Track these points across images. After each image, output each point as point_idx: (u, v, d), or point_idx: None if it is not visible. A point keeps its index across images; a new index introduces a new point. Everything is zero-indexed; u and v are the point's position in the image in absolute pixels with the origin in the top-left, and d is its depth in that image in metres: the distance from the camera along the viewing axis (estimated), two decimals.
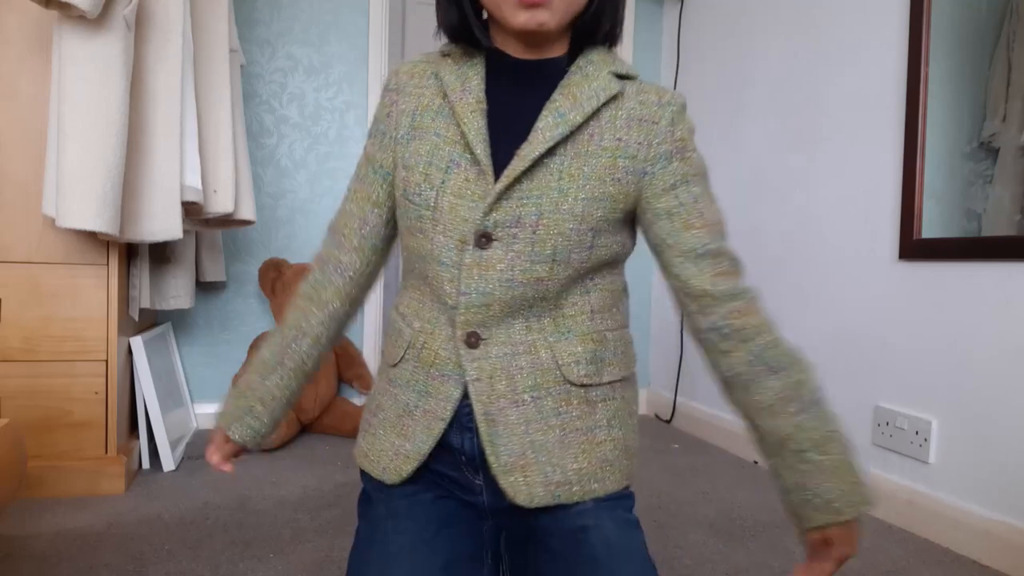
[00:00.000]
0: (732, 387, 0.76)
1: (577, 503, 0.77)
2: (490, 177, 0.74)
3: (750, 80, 2.24)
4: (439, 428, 0.77)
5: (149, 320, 2.09)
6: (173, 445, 1.89)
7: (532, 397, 0.76)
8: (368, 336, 2.50)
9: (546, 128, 0.73)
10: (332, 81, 2.42)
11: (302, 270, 2.22)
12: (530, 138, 0.74)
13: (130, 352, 1.82)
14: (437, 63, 0.81)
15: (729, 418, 2.29)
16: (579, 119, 0.74)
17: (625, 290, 0.85)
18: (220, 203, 1.76)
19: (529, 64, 0.79)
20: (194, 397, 2.34)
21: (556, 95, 0.76)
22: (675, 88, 2.64)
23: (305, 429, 2.28)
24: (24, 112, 1.59)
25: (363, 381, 2.33)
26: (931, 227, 1.60)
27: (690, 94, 2.58)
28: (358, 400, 2.39)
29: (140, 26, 1.55)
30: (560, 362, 0.76)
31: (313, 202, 2.43)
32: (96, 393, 1.65)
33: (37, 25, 1.58)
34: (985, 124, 1.49)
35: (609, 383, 0.80)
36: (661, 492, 1.81)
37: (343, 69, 2.42)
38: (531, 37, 0.77)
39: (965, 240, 1.52)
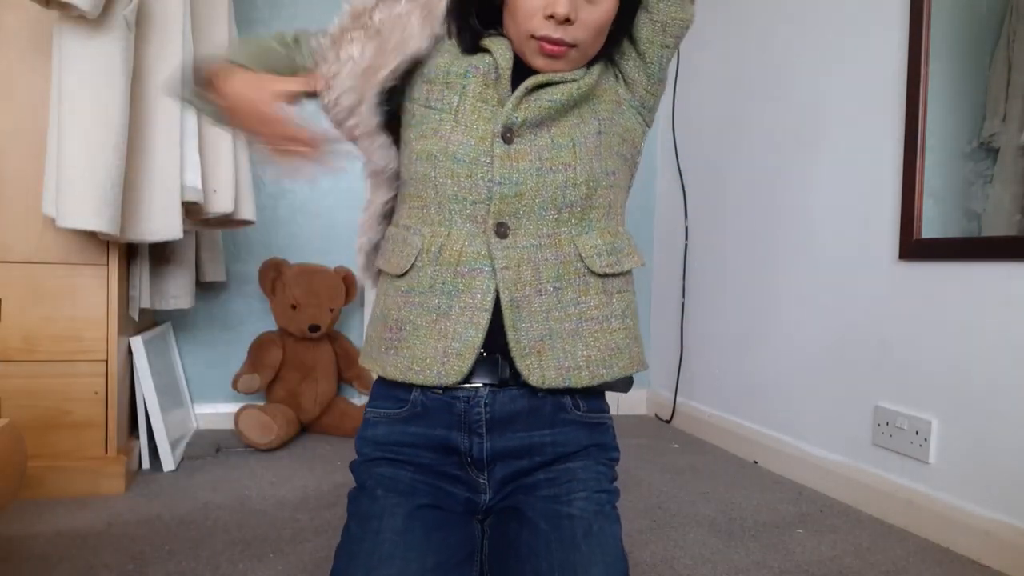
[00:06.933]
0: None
1: (568, 492, 0.81)
2: (507, 81, 0.80)
3: (749, 79, 2.24)
4: (484, 320, 0.78)
5: (149, 320, 2.09)
6: (173, 445, 1.89)
7: (554, 287, 0.79)
8: None
9: None
10: None
11: (302, 270, 2.22)
12: None
13: (130, 352, 1.82)
14: None
15: (729, 418, 2.29)
16: None
17: (628, 188, 0.90)
18: (220, 203, 1.76)
19: None
20: (194, 397, 2.34)
21: None
22: (675, 88, 2.64)
23: (305, 429, 2.28)
24: (24, 112, 1.59)
25: (363, 381, 2.33)
26: (931, 227, 1.60)
27: (690, 93, 2.58)
28: (358, 400, 2.39)
29: (140, 26, 1.55)
30: (583, 254, 0.80)
31: (313, 202, 2.43)
32: (96, 393, 1.65)
33: (37, 25, 1.58)
34: (985, 124, 1.49)
35: (629, 272, 0.85)
36: (661, 492, 1.81)
37: None
38: None
39: (965, 240, 1.52)
